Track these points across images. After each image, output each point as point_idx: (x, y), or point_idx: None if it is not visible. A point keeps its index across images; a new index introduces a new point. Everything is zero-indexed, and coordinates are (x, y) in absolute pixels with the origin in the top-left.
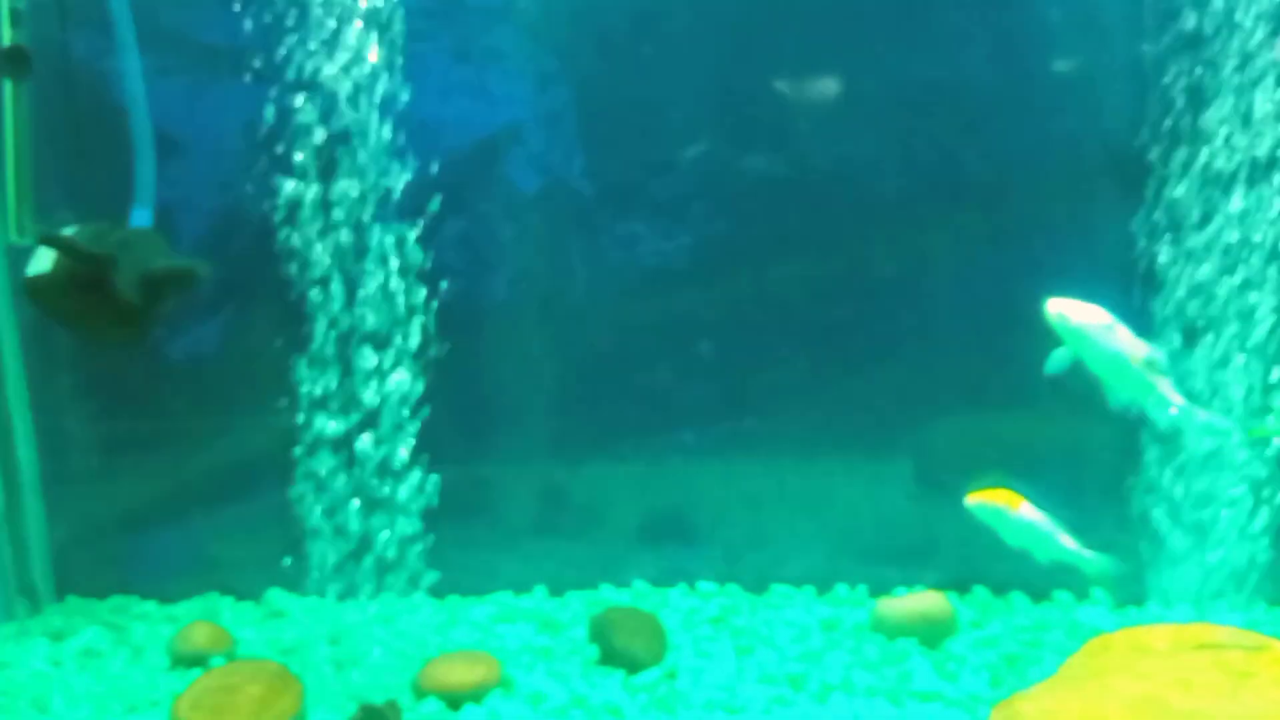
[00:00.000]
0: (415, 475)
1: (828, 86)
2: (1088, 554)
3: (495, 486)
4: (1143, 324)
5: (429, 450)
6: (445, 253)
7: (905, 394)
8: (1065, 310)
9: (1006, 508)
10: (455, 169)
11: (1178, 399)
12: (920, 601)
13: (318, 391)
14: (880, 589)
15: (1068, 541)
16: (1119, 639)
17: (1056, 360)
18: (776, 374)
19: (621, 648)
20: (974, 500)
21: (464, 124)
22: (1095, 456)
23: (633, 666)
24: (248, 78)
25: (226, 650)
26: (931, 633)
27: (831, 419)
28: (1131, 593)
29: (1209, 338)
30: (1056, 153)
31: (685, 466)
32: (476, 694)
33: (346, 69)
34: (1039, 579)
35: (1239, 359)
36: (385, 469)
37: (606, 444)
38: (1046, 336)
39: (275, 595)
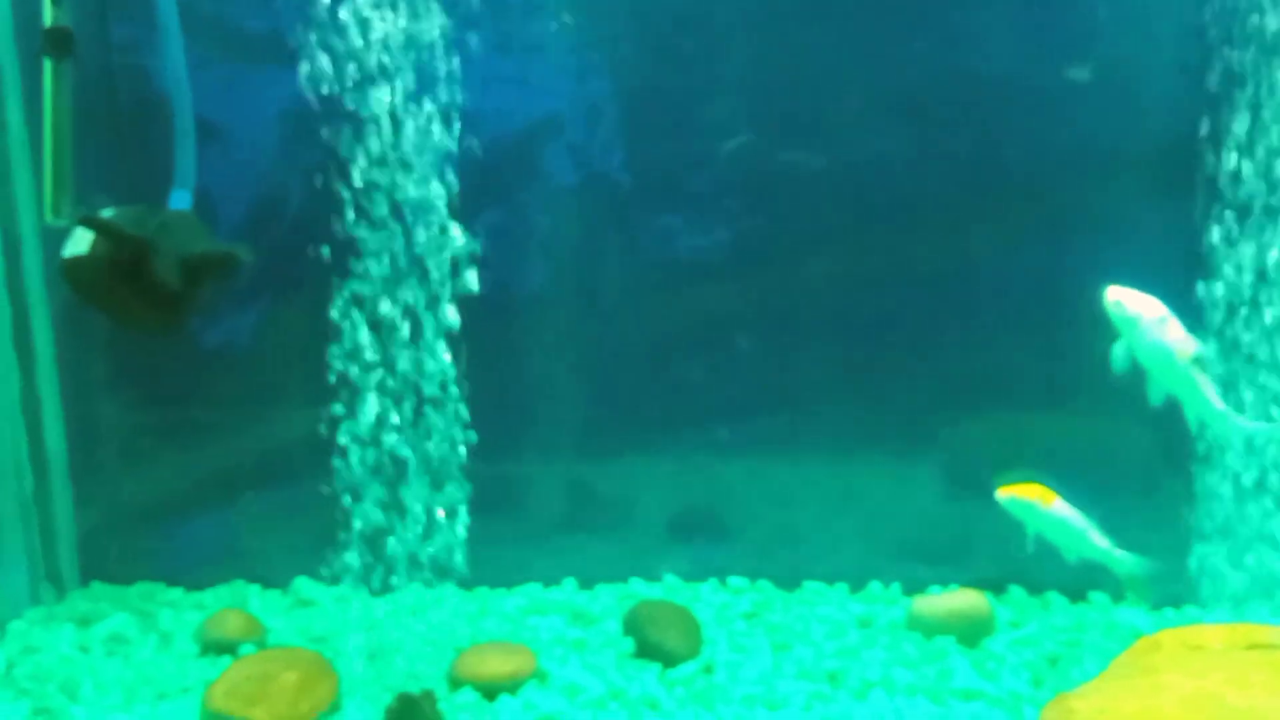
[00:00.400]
0: (447, 467)
1: (867, 80)
2: (1119, 553)
3: (526, 479)
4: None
5: (461, 442)
6: (482, 244)
7: (940, 391)
8: (1121, 298)
9: (1038, 502)
10: (494, 160)
11: (1219, 403)
12: (958, 600)
13: (351, 382)
14: (914, 587)
15: (1099, 540)
16: (1170, 637)
17: (1119, 356)
18: (811, 370)
19: (657, 641)
20: (1005, 494)
21: (503, 114)
22: (1133, 456)
23: (668, 660)
24: (288, 64)
25: (257, 639)
26: (970, 631)
27: (865, 415)
28: (1168, 594)
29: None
30: (1097, 148)
31: (718, 462)
32: (512, 685)
33: (387, 58)
34: (1075, 579)
35: None
36: (417, 461)
37: (639, 438)
38: (1084, 333)
39: (303, 584)
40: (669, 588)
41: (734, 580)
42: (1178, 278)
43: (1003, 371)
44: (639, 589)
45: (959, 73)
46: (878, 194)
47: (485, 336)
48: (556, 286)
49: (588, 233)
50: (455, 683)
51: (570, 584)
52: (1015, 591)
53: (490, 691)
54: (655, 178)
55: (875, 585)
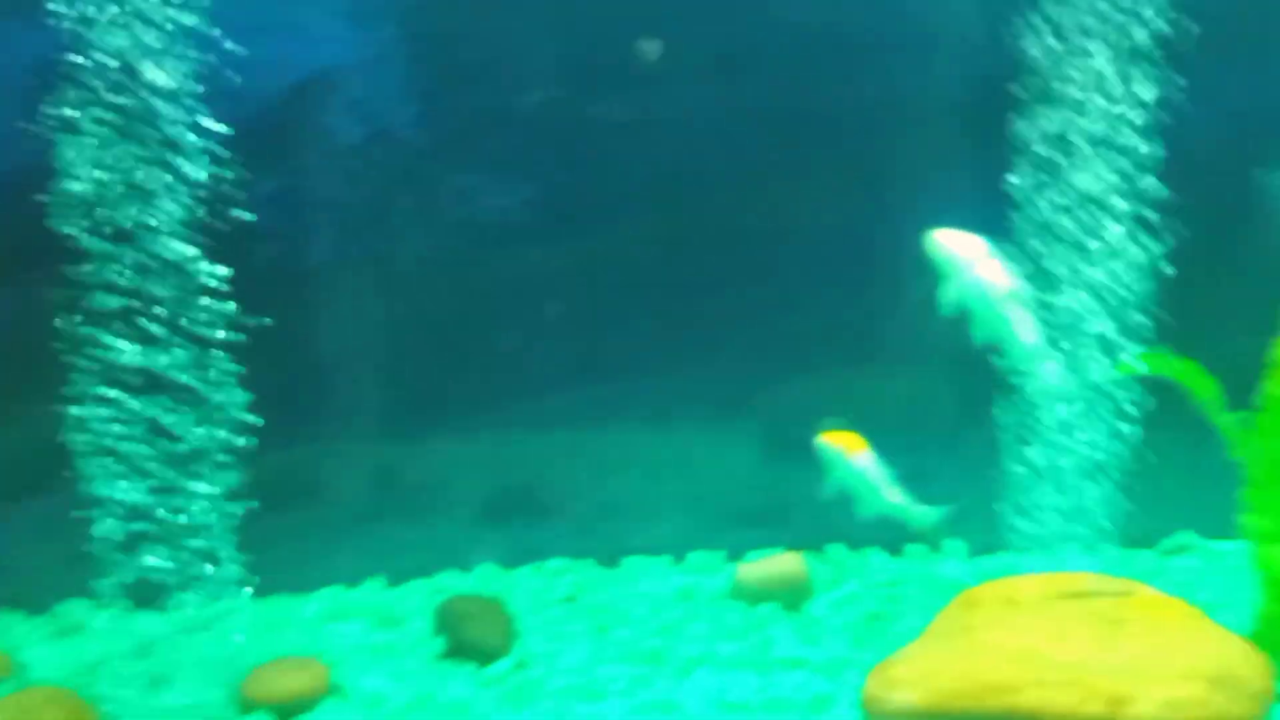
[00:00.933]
0: (230, 461)
1: (678, 29)
2: (914, 508)
3: (323, 470)
4: None
5: (245, 432)
6: (256, 211)
7: (754, 353)
8: (941, 238)
9: (843, 450)
10: (267, 116)
11: (1030, 337)
12: (778, 564)
13: (108, 373)
14: (737, 554)
15: (893, 494)
16: (987, 593)
17: (947, 300)
18: (623, 335)
19: (468, 639)
20: (821, 440)
21: (276, 66)
22: (942, 410)
23: (482, 657)
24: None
25: (9, 675)
26: (791, 596)
27: (680, 381)
28: (981, 541)
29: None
30: (909, 106)
31: (531, 437)
32: (306, 702)
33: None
34: (894, 534)
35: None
36: (195, 456)
37: (444, 417)
38: (897, 294)
39: (71, 608)
40: (483, 577)
41: (553, 562)
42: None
43: (817, 331)
44: (451, 582)
45: (772, 26)
46: (687, 151)
47: (268, 313)
48: (345, 255)
49: (380, 195)
50: (246, 706)
51: (377, 583)
52: (834, 550)
53: (284, 713)
54: (453, 133)
55: (698, 555)
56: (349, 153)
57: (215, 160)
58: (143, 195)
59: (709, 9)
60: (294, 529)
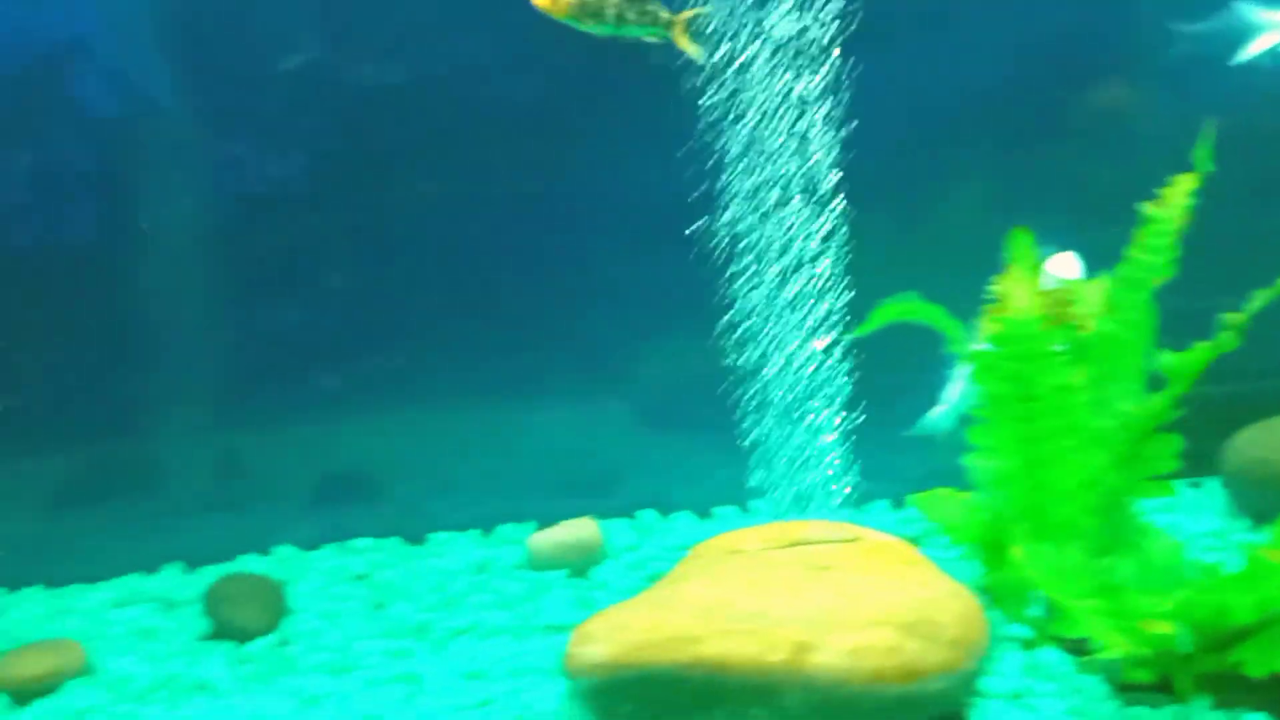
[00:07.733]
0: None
1: None
2: None
3: (129, 460)
4: None
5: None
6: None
7: (561, 323)
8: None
9: None
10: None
11: None
12: (569, 531)
13: None
14: (550, 524)
15: None
16: (716, 544)
17: None
18: (416, 307)
19: (230, 618)
20: None
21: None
22: None
23: (243, 637)
24: None
25: None
26: (581, 562)
27: (483, 347)
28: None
29: None
30: None
31: (331, 416)
32: (49, 685)
33: None
34: (705, 496)
35: None
36: None
37: (238, 399)
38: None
39: None
40: (279, 560)
41: (358, 542)
42: None
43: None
44: (249, 566)
45: None
46: (467, 107)
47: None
48: (107, 234)
49: (141, 170)
50: None
51: (174, 569)
52: (645, 515)
53: (23, 695)
54: (213, 100)
55: (507, 528)
56: (102, 127)
57: None
58: None
59: None
60: (96, 519)
